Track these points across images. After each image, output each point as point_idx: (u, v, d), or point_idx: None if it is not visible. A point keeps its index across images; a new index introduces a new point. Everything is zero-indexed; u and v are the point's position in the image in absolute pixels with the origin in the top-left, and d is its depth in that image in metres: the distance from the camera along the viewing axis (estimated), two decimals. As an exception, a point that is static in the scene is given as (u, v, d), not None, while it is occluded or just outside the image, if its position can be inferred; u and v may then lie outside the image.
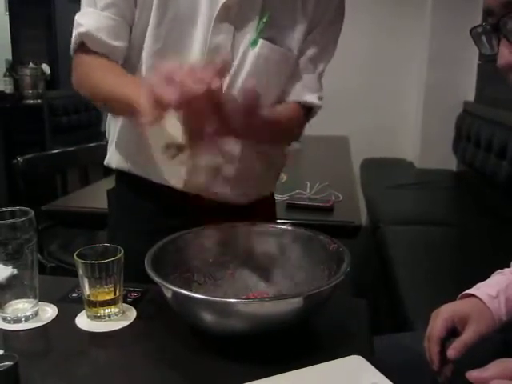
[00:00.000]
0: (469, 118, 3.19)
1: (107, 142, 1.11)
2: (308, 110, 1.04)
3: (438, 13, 3.31)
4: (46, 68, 4.26)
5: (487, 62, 3.08)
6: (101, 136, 3.93)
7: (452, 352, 0.76)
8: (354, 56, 3.29)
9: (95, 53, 0.92)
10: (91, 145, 2.36)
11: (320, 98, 1.04)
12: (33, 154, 2.07)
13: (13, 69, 4.16)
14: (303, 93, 1.01)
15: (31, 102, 4.07)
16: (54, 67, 4.33)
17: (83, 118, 4.42)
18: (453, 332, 0.80)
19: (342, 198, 1.79)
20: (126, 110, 0.81)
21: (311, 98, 1.02)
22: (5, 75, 4.11)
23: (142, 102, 0.68)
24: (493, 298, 0.80)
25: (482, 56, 3.19)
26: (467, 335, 0.77)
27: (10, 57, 4.24)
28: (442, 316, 0.80)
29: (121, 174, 1.08)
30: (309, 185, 1.84)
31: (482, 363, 0.81)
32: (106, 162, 1.08)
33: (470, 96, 3.33)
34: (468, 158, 3.08)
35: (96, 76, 0.92)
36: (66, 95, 4.16)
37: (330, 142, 3.15)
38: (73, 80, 0.96)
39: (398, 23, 3.62)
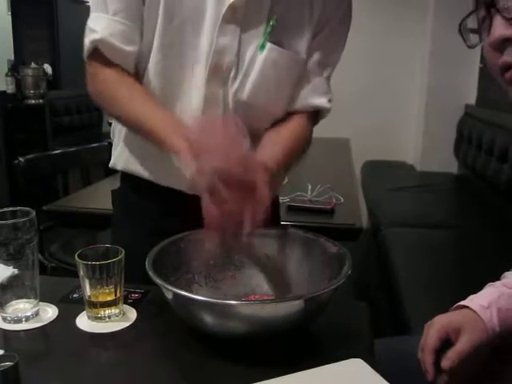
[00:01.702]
0: (470, 121, 3.19)
1: (109, 143, 1.11)
2: (316, 114, 1.04)
3: (439, 15, 3.31)
4: (47, 68, 4.26)
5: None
6: (102, 136, 3.94)
7: (446, 362, 0.77)
8: (355, 59, 3.28)
9: (108, 61, 0.92)
10: (93, 145, 2.36)
11: (330, 101, 1.03)
12: (34, 154, 2.07)
13: (15, 69, 4.16)
14: (313, 96, 1.01)
15: (33, 102, 4.07)
16: (56, 67, 4.34)
17: (85, 119, 4.43)
18: (446, 343, 0.80)
19: (342, 200, 1.79)
20: (154, 141, 0.87)
21: (321, 101, 1.02)
22: (7, 75, 4.10)
23: (183, 156, 0.77)
24: (485, 309, 0.81)
25: (483, 59, 3.19)
26: (461, 345, 0.78)
27: (12, 57, 4.24)
28: (435, 327, 0.81)
29: (125, 175, 1.08)
30: (310, 187, 1.84)
31: (473, 373, 0.81)
32: (111, 164, 1.08)
33: (472, 99, 3.33)
34: (469, 161, 3.08)
35: (121, 101, 0.92)
36: (68, 95, 4.16)
37: (332, 144, 3.15)
38: (90, 90, 0.96)
39: (400, 26, 3.62)
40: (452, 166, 3.45)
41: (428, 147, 3.50)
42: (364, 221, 2.31)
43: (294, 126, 1.01)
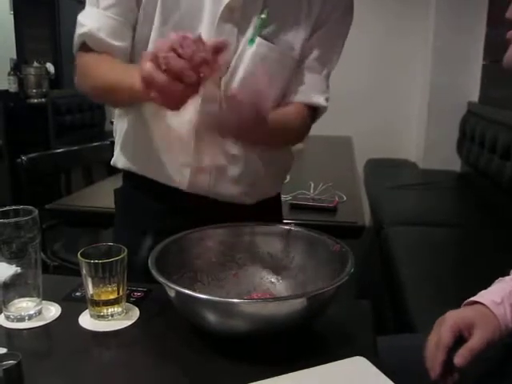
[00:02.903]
0: (473, 119, 3.18)
1: (111, 142, 1.11)
2: (313, 111, 1.04)
3: (441, 13, 3.30)
4: (50, 67, 4.26)
5: (492, 63, 3.07)
6: (104, 135, 3.93)
7: (459, 360, 0.75)
8: (358, 57, 3.28)
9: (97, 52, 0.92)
10: (95, 144, 2.36)
11: (326, 100, 1.03)
12: (37, 153, 2.07)
13: (17, 68, 4.17)
14: (309, 94, 1.01)
15: (35, 101, 4.08)
16: (58, 66, 4.34)
17: (87, 117, 4.43)
18: (458, 339, 0.79)
19: (345, 198, 1.79)
20: (131, 96, 0.82)
21: (317, 99, 1.01)
22: (9, 74, 4.11)
23: (144, 66, 0.68)
24: (498, 304, 0.79)
25: (486, 56, 3.19)
26: (474, 342, 0.76)
27: (14, 56, 4.25)
28: (447, 323, 0.79)
29: (127, 174, 1.08)
30: (312, 185, 1.84)
31: (484, 370, 0.81)
32: (112, 161, 1.08)
33: (475, 97, 3.32)
34: (472, 159, 3.08)
35: (103, 68, 0.92)
36: (70, 94, 4.17)
37: (334, 142, 3.15)
38: (76, 78, 0.96)
39: (402, 24, 3.61)
40: (455, 164, 3.45)
41: (430, 145, 3.49)
42: (366, 219, 2.30)
43: (289, 105, 1.00)
